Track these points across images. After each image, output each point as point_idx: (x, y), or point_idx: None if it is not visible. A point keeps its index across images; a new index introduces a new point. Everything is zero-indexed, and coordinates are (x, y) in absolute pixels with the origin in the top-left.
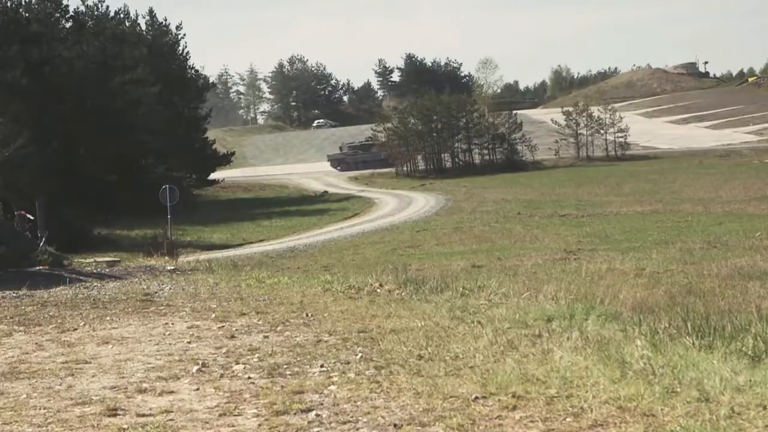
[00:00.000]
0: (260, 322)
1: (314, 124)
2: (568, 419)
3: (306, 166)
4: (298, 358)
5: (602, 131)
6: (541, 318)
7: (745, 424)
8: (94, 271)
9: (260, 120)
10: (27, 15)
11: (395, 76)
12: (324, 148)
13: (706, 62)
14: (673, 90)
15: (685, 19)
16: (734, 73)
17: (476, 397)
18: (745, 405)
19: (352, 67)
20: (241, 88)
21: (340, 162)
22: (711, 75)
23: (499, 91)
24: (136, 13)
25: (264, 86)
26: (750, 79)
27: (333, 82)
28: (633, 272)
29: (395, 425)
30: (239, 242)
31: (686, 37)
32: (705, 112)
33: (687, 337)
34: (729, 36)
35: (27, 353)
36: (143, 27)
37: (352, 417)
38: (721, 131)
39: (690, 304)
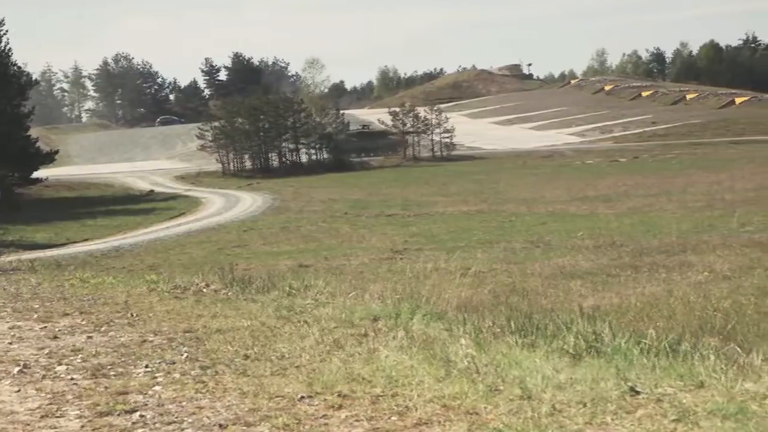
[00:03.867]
0: (84, 323)
1: (158, 120)
2: (393, 418)
3: (132, 165)
4: (123, 359)
5: (428, 132)
6: (367, 317)
7: (566, 421)
8: None
9: (84, 118)
10: None
11: (222, 75)
12: (149, 147)
13: (530, 64)
14: (498, 91)
15: (510, 22)
16: (557, 75)
17: (302, 397)
18: (566, 402)
19: (178, 66)
20: (66, 86)
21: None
22: (535, 77)
23: (326, 90)
24: None
25: (89, 84)
26: (572, 81)
27: (159, 80)
28: (458, 271)
29: (220, 425)
30: (63, 242)
31: (510, 39)
32: (529, 114)
33: (510, 336)
34: (551, 38)
35: None
36: None
37: (177, 417)
38: (544, 132)
39: (514, 303)
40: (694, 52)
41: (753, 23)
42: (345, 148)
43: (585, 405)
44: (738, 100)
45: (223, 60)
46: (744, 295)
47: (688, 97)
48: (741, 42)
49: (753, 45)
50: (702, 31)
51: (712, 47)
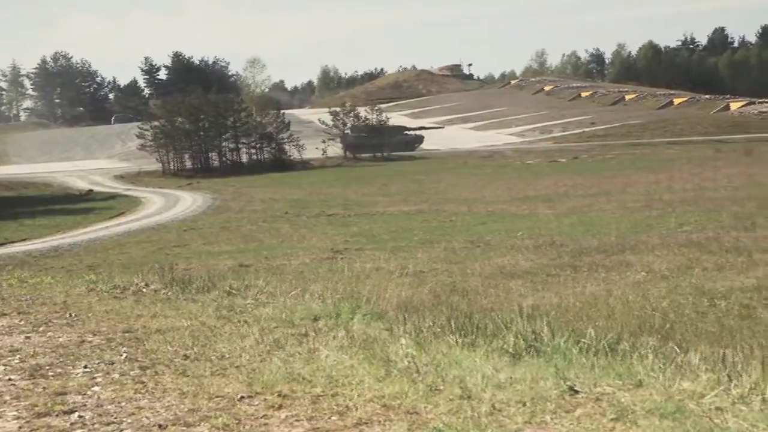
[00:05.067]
0: (22, 323)
1: (114, 117)
2: (333, 417)
3: (71, 164)
4: (61, 359)
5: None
6: (307, 317)
7: (506, 420)
8: None
9: (23, 117)
10: None
11: (162, 75)
12: (89, 147)
13: (470, 64)
14: (438, 91)
15: (450, 22)
16: (497, 76)
17: (242, 397)
18: (505, 402)
19: (118, 65)
20: (3, 85)
21: (350, 145)
22: (475, 77)
23: (267, 90)
24: None
25: (27, 83)
26: (512, 82)
27: (99, 79)
28: (398, 271)
29: (160, 426)
30: (1, 241)
31: (451, 39)
32: (469, 114)
33: (450, 336)
34: (492, 39)
35: None
36: None
37: (116, 418)
38: (484, 132)
39: (454, 302)
40: (633, 53)
41: (691, 24)
42: (356, 144)
43: (524, 404)
44: (676, 101)
45: (163, 59)
46: (682, 295)
47: (627, 97)
48: (679, 43)
49: (691, 46)
50: (641, 32)
51: (651, 48)
